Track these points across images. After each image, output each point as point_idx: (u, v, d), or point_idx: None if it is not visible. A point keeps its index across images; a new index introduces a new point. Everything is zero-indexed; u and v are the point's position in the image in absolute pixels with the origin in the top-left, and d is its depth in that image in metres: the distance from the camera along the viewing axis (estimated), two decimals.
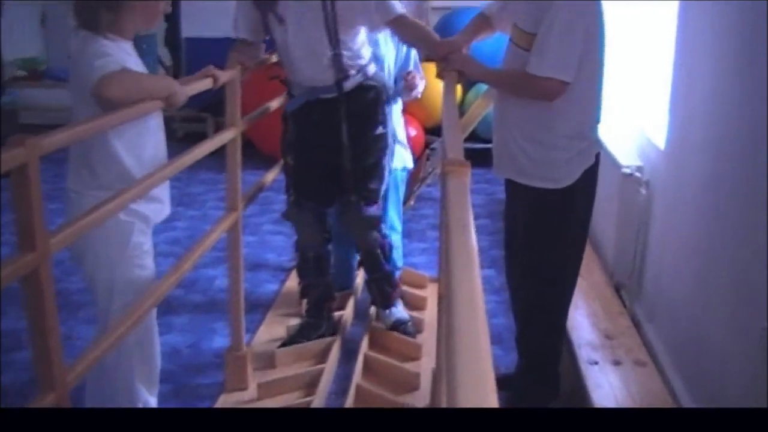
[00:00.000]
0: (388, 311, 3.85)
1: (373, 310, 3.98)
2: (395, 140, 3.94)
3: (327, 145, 3.44)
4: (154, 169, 2.53)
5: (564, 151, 2.88)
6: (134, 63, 2.69)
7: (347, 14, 3.21)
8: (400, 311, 3.91)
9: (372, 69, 3.46)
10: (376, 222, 3.59)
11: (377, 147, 3.51)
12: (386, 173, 3.61)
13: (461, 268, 1.06)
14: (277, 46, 3.38)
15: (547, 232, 2.99)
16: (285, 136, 3.59)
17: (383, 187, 3.63)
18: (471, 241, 1.16)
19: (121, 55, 2.61)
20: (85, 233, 2.09)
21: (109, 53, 2.51)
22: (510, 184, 3.11)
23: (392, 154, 3.72)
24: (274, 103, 3.70)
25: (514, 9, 2.98)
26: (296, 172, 3.56)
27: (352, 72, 3.36)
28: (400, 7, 3.26)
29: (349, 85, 3.36)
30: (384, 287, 3.79)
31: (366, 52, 3.43)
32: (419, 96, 4.00)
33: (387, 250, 3.70)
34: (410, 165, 4.20)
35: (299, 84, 3.41)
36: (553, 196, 2.92)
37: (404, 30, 3.34)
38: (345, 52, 3.28)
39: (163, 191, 2.81)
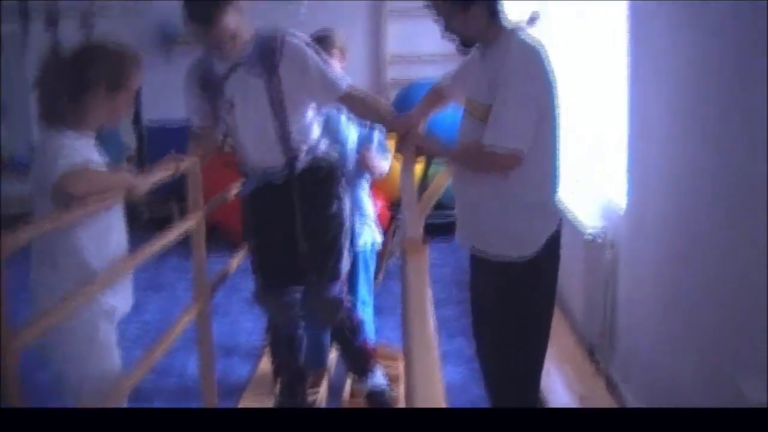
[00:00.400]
0: (364, 379, 3.77)
1: (348, 382, 3.96)
2: (363, 217, 3.95)
3: (283, 226, 3.41)
4: (116, 261, 2.54)
5: (526, 220, 2.88)
6: (97, 158, 2.71)
7: (293, 92, 3.20)
8: (377, 378, 3.81)
9: (323, 146, 3.44)
10: (339, 302, 3.52)
11: (333, 224, 3.45)
12: (345, 250, 3.55)
13: (419, 353, 1.08)
14: (227, 130, 3.38)
15: (513, 302, 2.96)
16: (245, 221, 3.56)
17: (344, 265, 3.56)
18: (428, 323, 1.17)
19: (84, 151, 2.63)
20: (50, 332, 2.08)
21: (70, 150, 2.53)
22: (474, 256, 3.12)
23: (352, 231, 3.71)
24: (234, 190, 3.69)
25: (468, 80, 3.01)
26: (259, 255, 3.53)
27: (303, 151, 3.33)
28: (347, 82, 3.26)
29: (300, 164, 3.34)
30: (357, 361, 3.74)
31: (316, 130, 3.40)
32: (384, 174, 3.98)
33: (356, 325, 3.64)
34: (378, 242, 4.19)
35: (251, 167, 3.39)
36: (518, 266, 2.90)
37: (354, 105, 3.32)
38: (293, 132, 3.26)
39: (127, 282, 2.81)
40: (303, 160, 3.34)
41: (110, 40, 2.87)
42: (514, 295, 2.95)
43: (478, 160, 2.86)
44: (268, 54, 3.16)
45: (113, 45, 2.82)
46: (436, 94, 3.22)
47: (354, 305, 3.74)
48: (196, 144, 3.25)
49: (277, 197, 3.38)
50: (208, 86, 3.26)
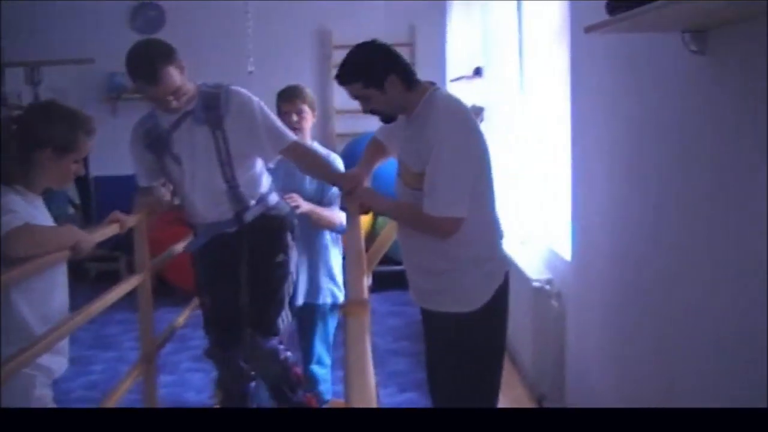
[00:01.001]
0: None
1: None
2: (326, 270, 3.92)
3: (231, 279, 3.38)
4: (58, 320, 2.50)
5: (472, 275, 2.89)
6: (42, 217, 2.69)
7: (240, 144, 3.20)
8: None
9: (274, 199, 3.43)
10: (275, 354, 3.45)
11: (276, 275, 3.42)
12: (285, 302, 3.51)
13: (359, 406, 1.08)
14: (174, 186, 3.36)
15: (461, 355, 2.95)
16: (196, 277, 3.53)
17: (283, 319, 3.50)
18: (368, 379, 1.18)
19: (29, 209, 2.61)
20: None
21: (14, 209, 2.51)
22: (423, 309, 3.12)
23: (314, 285, 3.70)
24: (180, 246, 3.66)
25: (397, 142, 3.02)
26: (209, 310, 3.50)
27: (252, 203, 3.32)
28: (293, 136, 3.29)
29: (249, 216, 3.32)
30: None
31: (265, 182, 3.40)
32: (344, 230, 3.84)
33: (295, 382, 3.57)
34: (340, 299, 4.04)
35: (199, 222, 3.36)
36: (466, 320, 2.90)
37: (299, 159, 3.36)
38: (241, 184, 3.26)
39: (64, 343, 2.76)
40: (253, 212, 3.33)
41: (61, 102, 2.87)
42: (461, 346, 2.95)
43: (417, 223, 2.87)
44: (213, 106, 3.17)
45: (65, 108, 2.81)
46: (377, 147, 3.22)
47: (295, 361, 3.64)
48: (141, 201, 3.23)
49: (225, 250, 3.35)
50: (155, 143, 3.25)
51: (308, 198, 3.76)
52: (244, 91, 3.26)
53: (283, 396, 3.58)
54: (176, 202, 3.54)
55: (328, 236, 3.96)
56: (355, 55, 2.90)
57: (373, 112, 2.95)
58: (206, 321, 3.53)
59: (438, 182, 2.75)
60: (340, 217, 3.83)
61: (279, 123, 3.30)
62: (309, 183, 3.82)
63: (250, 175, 3.30)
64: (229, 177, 3.23)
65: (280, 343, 3.49)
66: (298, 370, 3.66)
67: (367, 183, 3.19)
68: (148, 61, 3.03)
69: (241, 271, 3.36)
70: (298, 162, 3.40)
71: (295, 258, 3.58)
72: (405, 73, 2.86)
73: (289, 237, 3.48)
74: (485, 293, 2.90)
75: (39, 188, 2.74)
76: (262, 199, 3.37)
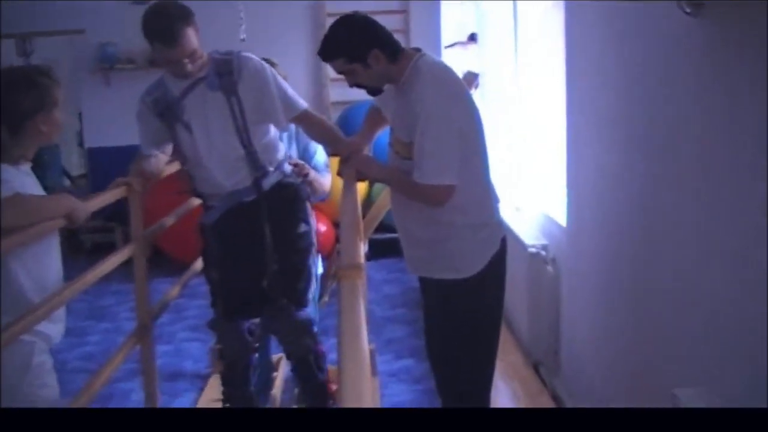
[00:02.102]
0: None
1: None
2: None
3: (252, 252, 3.30)
4: (54, 288, 2.50)
5: (466, 242, 2.88)
6: (34, 184, 2.68)
7: (254, 110, 3.16)
8: None
9: (288, 167, 3.40)
10: (308, 325, 3.43)
11: (302, 246, 3.38)
12: (313, 274, 3.50)
13: (352, 373, 1.08)
14: (185, 157, 3.27)
15: (458, 322, 2.95)
16: (206, 251, 3.41)
17: (312, 291, 3.50)
18: (362, 344, 1.17)
19: (20, 178, 2.59)
20: None
21: (6, 179, 2.50)
22: (420, 279, 3.12)
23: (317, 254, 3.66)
24: (170, 219, 3.55)
25: (388, 111, 3.02)
26: (223, 285, 3.40)
27: (270, 169, 3.27)
28: (303, 103, 3.27)
29: (267, 183, 3.26)
30: (318, 399, 3.60)
31: (281, 148, 3.37)
32: (326, 197, 3.93)
33: (321, 357, 3.54)
34: (320, 270, 4.07)
35: (216, 193, 3.28)
36: (461, 287, 2.90)
37: (310, 126, 3.33)
38: (259, 149, 3.21)
39: (61, 310, 2.76)
40: (271, 178, 3.28)
41: (17, 66, 2.84)
42: (458, 313, 2.95)
43: (410, 191, 2.86)
44: (226, 72, 3.13)
45: (27, 69, 2.80)
46: (376, 115, 3.21)
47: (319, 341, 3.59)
48: (136, 168, 3.18)
49: (246, 221, 3.27)
50: (165, 111, 3.18)
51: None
52: (255, 57, 3.23)
53: (310, 371, 3.52)
54: (185, 171, 3.45)
55: None
56: (335, 31, 2.89)
57: (358, 85, 2.94)
58: (217, 295, 3.44)
59: (426, 151, 2.73)
60: (328, 184, 3.84)
61: (291, 90, 3.27)
62: (294, 150, 3.81)
63: (266, 140, 3.25)
64: (247, 142, 3.17)
65: (310, 314, 3.46)
66: (323, 348, 3.64)
67: (368, 151, 3.18)
68: (168, 22, 2.98)
69: (264, 240, 3.28)
70: (309, 129, 3.38)
71: (314, 229, 3.57)
72: (388, 45, 2.84)
73: (308, 206, 3.46)
74: (480, 260, 2.89)
75: (31, 153, 2.72)
76: (279, 166, 3.32)
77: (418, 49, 2.91)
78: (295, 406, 3.93)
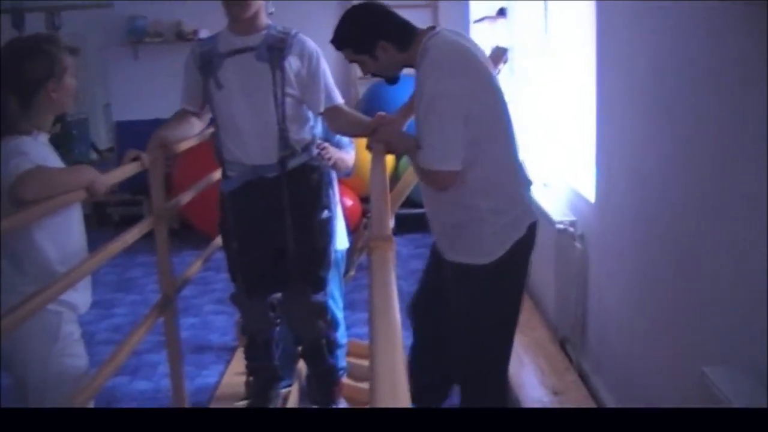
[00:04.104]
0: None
1: None
2: (343, 220, 3.89)
3: (270, 227, 3.28)
4: (77, 259, 2.51)
5: (487, 226, 2.81)
6: (53, 156, 2.70)
7: (295, 89, 3.16)
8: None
9: (315, 151, 3.36)
10: (322, 309, 3.44)
11: (324, 232, 3.37)
12: (332, 259, 3.49)
13: (384, 349, 1.07)
14: (218, 118, 3.25)
15: (475, 307, 2.91)
16: (224, 220, 3.39)
17: (330, 276, 3.50)
18: (394, 318, 1.16)
19: (38, 149, 2.60)
20: (12, 333, 2.05)
21: (24, 151, 2.51)
22: (437, 251, 3.07)
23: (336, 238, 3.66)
24: (190, 193, 3.52)
25: None
26: (241, 257, 3.38)
27: (298, 150, 3.24)
28: (340, 98, 3.27)
29: (292, 164, 3.24)
30: (326, 383, 3.62)
31: (312, 131, 3.35)
32: (350, 171, 3.91)
33: (333, 341, 3.56)
34: (346, 245, 4.05)
35: (238, 161, 3.25)
36: (481, 271, 2.85)
37: (338, 118, 3.27)
38: (291, 128, 3.19)
39: (87, 280, 2.78)
40: (296, 160, 3.25)
41: (26, 35, 2.84)
42: (475, 298, 2.91)
43: (419, 175, 2.85)
44: (278, 48, 3.13)
45: (36, 37, 2.79)
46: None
47: (333, 325, 3.63)
48: (156, 136, 3.15)
49: (266, 196, 3.25)
50: (207, 65, 3.18)
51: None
52: (310, 41, 3.23)
53: (320, 354, 3.53)
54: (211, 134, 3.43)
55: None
56: (344, 21, 2.89)
57: (372, 75, 2.93)
58: (232, 266, 3.44)
59: (427, 136, 2.71)
60: (352, 160, 3.81)
61: (332, 82, 3.27)
62: (320, 127, 3.79)
63: (300, 121, 3.24)
64: (281, 118, 3.16)
65: (324, 297, 3.46)
66: (336, 335, 3.66)
67: (402, 127, 3.15)
68: None
69: (283, 220, 3.27)
70: (337, 121, 3.29)
71: (337, 215, 3.57)
72: (396, 36, 2.82)
73: (331, 193, 3.44)
74: (500, 246, 2.83)
75: (47, 123, 2.73)
76: (306, 148, 3.30)
77: (433, 28, 2.87)
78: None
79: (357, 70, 7.90)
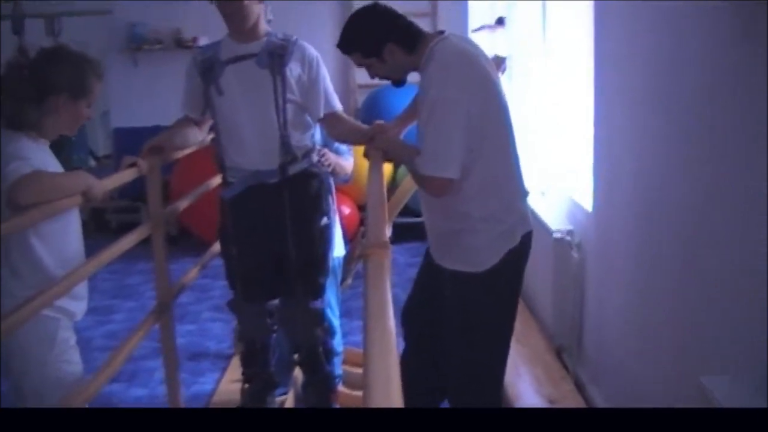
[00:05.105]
0: None
1: None
2: (341, 228, 3.89)
3: (270, 233, 3.29)
4: (75, 265, 2.51)
5: (481, 234, 2.81)
6: (54, 163, 2.72)
7: (299, 96, 3.17)
8: None
9: (315, 157, 3.36)
10: (320, 317, 3.44)
11: (323, 239, 3.36)
12: (330, 266, 3.49)
13: (378, 354, 1.07)
14: (219, 124, 3.25)
15: (468, 315, 2.90)
16: (224, 226, 3.40)
17: (328, 284, 3.50)
18: (389, 325, 1.16)
19: (40, 155, 2.61)
20: (8, 338, 2.05)
21: (24, 156, 2.52)
22: (437, 264, 3.05)
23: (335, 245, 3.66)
24: (187, 199, 3.53)
25: None
26: (240, 263, 3.38)
27: (298, 156, 3.24)
28: (339, 104, 3.29)
29: (293, 170, 3.24)
30: (322, 391, 3.59)
31: (312, 138, 3.35)
32: (348, 178, 3.92)
33: (329, 349, 3.54)
34: (343, 252, 4.06)
35: (239, 167, 3.26)
36: (473, 279, 2.84)
37: (337, 125, 3.29)
38: (293, 134, 3.20)
39: (84, 287, 2.79)
40: (297, 167, 3.25)
41: (71, 46, 2.87)
42: (468, 306, 2.90)
43: (416, 181, 2.84)
44: (278, 54, 3.14)
45: (76, 52, 2.81)
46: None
47: (329, 333, 3.62)
48: (152, 141, 3.16)
49: (266, 202, 3.26)
50: (208, 71, 3.19)
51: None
52: (311, 47, 3.25)
53: (317, 362, 3.51)
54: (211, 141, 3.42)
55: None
56: (351, 25, 2.90)
57: (380, 78, 2.93)
58: (231, 272, 3.44)
59: (427, 142, 2.70)
60: (350, 167, 3.81)
61: (332, 88, 3.29)
62: (318, 133, 3.79)
63: (300, 127, 3.25)
64: (282, 124, 3.16)
65: (322, 305, 3.45)
66: (333, 343, 3.64)
67: (399, 135, 3.17)
68: None
69: (284, 227, 3.27)
70: (335, 127, 3.31)
71: (336, 222, 3.58)
72: (404, 37, 2.82)
73: (330, 200, 3.43)
74: (493, 255, 2.82)
75: (51, 134, 2.76)
76: (307, 154, 3.30)
77: (441, 32, 2.88)
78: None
79: (356, 78, 7.98)
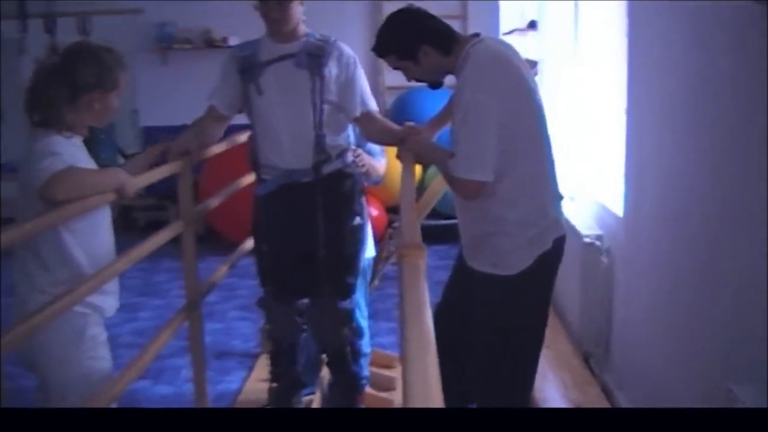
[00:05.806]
0: None
1: None
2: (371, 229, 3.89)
3: (302, 232, 3.29)
4: (105, 261, 2.52)
5: (513, 238, 2.78)
6: (86, 158, 2.73)
7: (336, 96, 3.20)
8: None
9: (350, 158, 3.38)
10: (348, 317, 3.44)
11: (354, 239, 3.38)
12: (360, 266, 3.50)
13: (416, 354, 1.06)
14: (256, 123, 3.27)
15: (498, 317, 2.87)
16: (257, 224, 3.41)
17: (358, 284, 3.50)
18: (426, 325, 1.15)
19: (72, 151, 2.63)
20: (37, 333, 2.06)
21: (57, 152, 2.53)
22: (464, 263, 3.03)
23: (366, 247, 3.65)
24: (217, 198, 3.56)
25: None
26: (271, 260, 3.39)
27: (332, 156, 3.27)
28: (375, 104, 3.32)
29: (327, 170, 3.26)
30: (348, 392, 3.60)
31: (347, 138, 3.38)
32: (381, 179, 3.89)
33: (357, 349, 3.54)
34: (373, 253, 4.03)
35: (274, 166, 3.27)
36: (503, 282, 2.82)
37: (370, 124, 3.30)
38: (328, 134, 3.22)
39: (114, 284, 2.80)
40: (331, 166, 3.27)
41: (94, 42, 2.90)
42: (498, 310, 2.87)
43: (448, 183, 2.83)
44: (317, 55, 3.17)
45: (97, 46, 2.84)
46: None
47: (357, 334, 3.60)
48: (180, 142, 3.17)
49: (299, 201, 3.27)
50: (248, 69, 3.21)
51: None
52: (348, 48, 3.28)
53: (344, 362, 3.52)
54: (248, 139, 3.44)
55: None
56: (386, 27, 2.89)
57: (416, 80, 2.92)
58: (262, 270, 3.45)
59: (460, 144, 2.69)
60: (383, 168, 3.81)
61: (368, 88, 3.32)
62: (352, 133, 3.79)
63: (336, 128, 3.27)
64: (317, 124, 3.19)
65: (351, 305, 3.46)
66: (361, 344, 3.63)
67: (432, 137, 3.14)
68: None
69: (316, 226, 3.28)
70: (369, 127, 3.33)
71: (368, 224, 3.58)
72: (439, 40, 2.81)
73: (363, 200, 3.45)
74: (524, 259, 2.80)
75: (84, 129, 2.77)
76: (341, 154, 3.32)
77: (477, 35, 2.87)
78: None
79: (385, 80, 7.97)
